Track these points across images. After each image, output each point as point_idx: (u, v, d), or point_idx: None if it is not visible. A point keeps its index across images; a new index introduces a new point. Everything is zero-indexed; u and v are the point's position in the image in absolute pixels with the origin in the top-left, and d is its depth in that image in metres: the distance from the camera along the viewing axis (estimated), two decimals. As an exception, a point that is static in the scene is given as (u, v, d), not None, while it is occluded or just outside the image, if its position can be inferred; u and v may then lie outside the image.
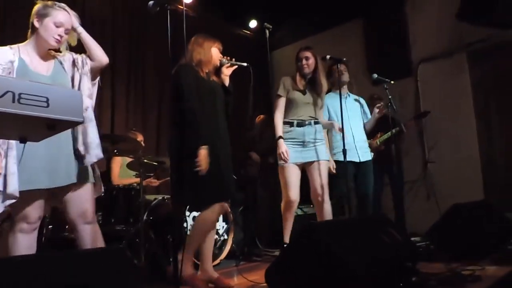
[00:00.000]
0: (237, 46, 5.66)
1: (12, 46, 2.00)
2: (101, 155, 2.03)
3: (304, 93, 3.28)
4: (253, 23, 5.97)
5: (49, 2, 2.05)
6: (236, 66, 2.74)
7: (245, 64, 2.72)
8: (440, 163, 4.74)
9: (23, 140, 1.54)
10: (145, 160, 3.33)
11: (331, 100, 3.61)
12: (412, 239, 3.36)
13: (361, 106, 3.81)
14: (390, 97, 3.73)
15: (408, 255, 2.19)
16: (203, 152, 2.36)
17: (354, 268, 1.69)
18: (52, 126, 1.38)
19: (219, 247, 3.58)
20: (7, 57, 1.92)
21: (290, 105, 3.26)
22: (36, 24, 2.00)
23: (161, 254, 3.13)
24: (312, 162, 3.23)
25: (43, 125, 1.35)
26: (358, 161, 3.59)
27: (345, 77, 3.65)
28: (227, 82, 2.72)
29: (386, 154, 4.20)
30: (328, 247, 1.75)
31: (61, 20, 2.01)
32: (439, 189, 4.65)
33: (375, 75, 3.67)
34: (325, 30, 5.80)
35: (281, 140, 3.13)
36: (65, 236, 3.23)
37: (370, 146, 4.06)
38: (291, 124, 3.24)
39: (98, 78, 2.18)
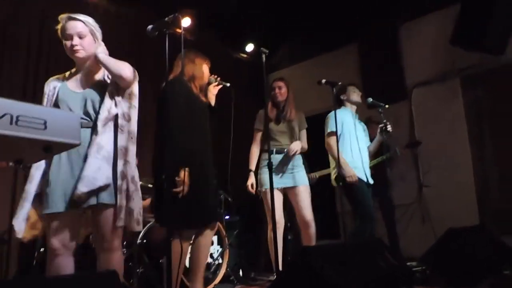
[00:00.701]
0: (234, 69, 5.75)
1: (60, 76, 2.11)
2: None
3: (277, 122, 3.42)
4: (249, 47, 6.05)
5: (59, 18, 2.03)
6: (221, 86, 2.76)
7: (228, 84, 2.75)
8: (435, 187, 4.74)
9: (18, 162, 1.54)
10: (141, 183, 3.31)
11: (344, 116, 3.60)
12: (408, 263, 3.33)
13: (364, 129, 3.85)
14: (384, 121, 3.77)
15: (403, 279, 2.17)
16: (184, 174, 2.26)
17: (349, 293, 1.68)
18: (49, 148, 1.39)
19: (213, 271, 3.53)
20: (52, 85, 2.04)
21: (268, 135, 3.25)
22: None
23: (154, 278, 3.09)
24: (292, 188, 3.34)
25: (39, 147, 1.36)
26: (367, 181, 3.57)
27: (358, 97, 3.70)
28: (213, 101, 2.72)
29: (379, 178, 4.21)
30: (322, 272, 1.74)
31: (67, 33, 1.98)
32: (434, 213, 4.64)
33: (370, 99, 3.71)
34: (321, 54, 5.90)
35: (251, 173, 3.29)
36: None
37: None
38: (271, 152, 3.27)
39: (133, 100, 2.10)
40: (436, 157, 4.79)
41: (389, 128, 3.68)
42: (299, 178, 3.36)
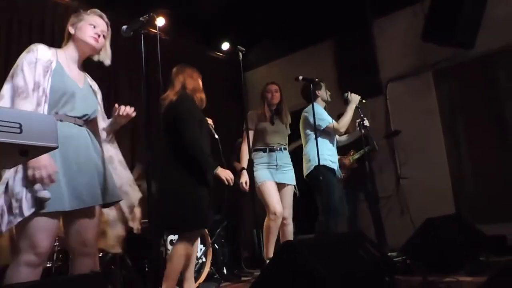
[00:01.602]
0: (210, 68, 5.73)
1: (50, 47, 1.92)
2: None
3: (272, 123, 3.55)
4: (225, 45, 6.04)
5: (82, 11, 2.02)
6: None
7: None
8: (412, 178, 4.85)
9: (-8, 167, 1.50)
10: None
11: (323, 111, 3.71)
12: (389, 254, 3.40)
13: None
14: (362, 115, 3.83)
15: (386, 269, 2.22)
16: (225, 171, 2.66)
17: (332, 284, 1.71)
18: (25, 152, 1.35)
19: (197, 270, 3.52)
20: (47, 56, 1.85)
21: (259, 134, 3.50)
22: (71, 30, 1.97)
23: (138, 281, 3.06)
24: (281, 185, 3.47)
25: (15, 151, 1.33)
26: (339, 176, 3.74)
27: (327, 96, 3.80)
28: None
29: (360, 172, 4.28)
30: (307, 264, 1.76)
31: (96, 21, 1.98)
32: (412, 204, 4.75)
33: (346, 94, 3.76)
34: (297, 51, 5.94)
35: (244, 171, 3.31)
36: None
37: (343, 164, 4.14)
38: (263, 150, 3.50)
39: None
40: (413, 150, 4.90)
41: (366, 122, 3.75)
42: (288, 176, 3.51)
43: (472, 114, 4.69)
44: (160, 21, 4.94)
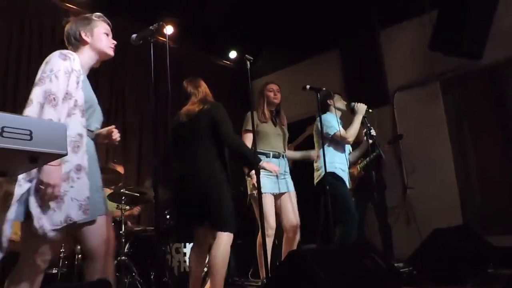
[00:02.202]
0: (217, 76, 5.76)
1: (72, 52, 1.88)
2: None
3: (274, 125, 3.40)
4: (233, 54, 6.08)
5: (87, 15, 2.02)
6: None
7: None
8: (419, 188, 4.82)
9: (1, 174, 1.51)
10: (127, 191, 3.29)
11: (333, 120, 3.62)
12: (395, 264, 3.37)
13: None
14: (368, 125, 3.82)
15: (391, 280, 2.20)
16: (269, 163, 2.97)
17: (339, 295, 1.70)
18: (35, 159, 1.37)
19: (202, 277, 3.51)
20: (79, 66, 1.83)
21: (261, 137, 3.28)
22: (86, 37, 1.94)
23: (143, 288, 3.05)
24: (284, 193, 3.31)
25: (25, 158, 1.34)
26: (348, 186, 3.60)
27: (343, 105, 3.73)
28: None
29: (367, 181, 4.26)
30: (312, 274, 1.75)
31: (107, 28, 2.01)
32: (419, 214, 4.71)
33: (353, 104, 3.76)
34: (304, 60, 5.97)
35: (253, 173, 3.15)
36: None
37: (351, 173, 4.11)
38: (267, 155, 3.26)
39: None
40: (419, 160, 4.87)
41: (373, 132, 3.73)
42: (290, 183, 3.37)
43: (479, 124, 4.67)
44: (169, 30, 4.99)
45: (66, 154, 1.40)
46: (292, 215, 3.28)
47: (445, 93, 4.91)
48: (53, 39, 4.29)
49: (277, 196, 3.30)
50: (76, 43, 1.96)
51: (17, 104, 3.95)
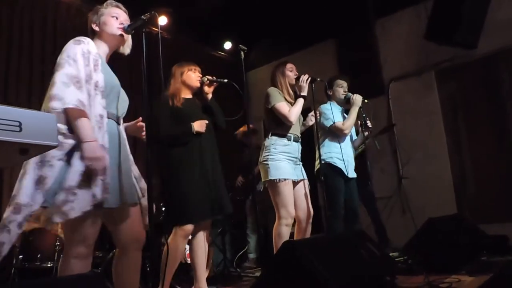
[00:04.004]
0: (212, 67, 5.72)
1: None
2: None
3: None
4: (227, 45, 6.04)
5: (98, 6, 2.01)
6: (216, 83, 2.86)
7: (225, 80, 2.85)
8: (414, 178, 4.84)
9: (-8, 167, 1.49)
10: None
11: (334, 109, 3.58)
12: (391, 254, 3.39)
13: None
14: (364, 115, 3.81)
15: (387, 269, 2.21)
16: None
17: (333, 283, 1.70)
18: (25, 151, 1.35)
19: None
20: (95, 50, 1.84)
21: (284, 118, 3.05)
22: (96, 27, 1.95)
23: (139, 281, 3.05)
24: (301, 181, 3.11)
25: (15, 150, 1.32)
26: (346, 175, 3.51)
27: (341, 94, 3.69)
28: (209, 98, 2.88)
29: (361, 171, 4.26)
30: (309, 264, 1.75)
31: (117, 12, 1.98)
32: (414, 203, 4.74)
33: (349, 94, 3.74)
34: (299, 50, 5.92)
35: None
36: (37, 266, 3.10)
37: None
38: (289, 138, 3.05)
39: None
40: (414, 150, 4.89)
41: (368, 123, 3.73)
42: (303, 170, 3.16)
43: (474, 114, 4.68)
44: (162, 20, 4.95)
45: (56, 146, 1.39)
46: (308, 204, 3.10)
47: (440, 84, 4.91)
48: (44, 30, 4.24)
49: (294, 184, 3.07)
50: (92, 36, 1.98)
51: (7, 97, 3.92)
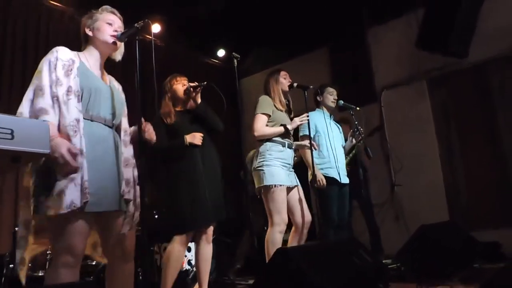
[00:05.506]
0: (205, 75, 5.73)
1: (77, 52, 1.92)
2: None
3: (288, 114, 3.22)
4: (221, 52, 6.06)
5: (93, 11, 2.00)
6: (199, 88, 2.85)
7: (204, 83, 2.84)
8: (406, 185, 4.86)
9: (-16, 174, 1.49)
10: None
11: (317, 118, 3.58)
12: (384, 261, 3.40)
13: (340, 130, 3.86)
14: (356, 122, 3.84)
15: (379, 277, 2.21)
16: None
17: (327, 292, 1.70)
18: (17, 159, 1.35)
19: (191, 277, 3.50)
20: (68, 55, 1.83)
21: (277, 125, 3.08)
22: (89, 32, 1.94)
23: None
24: (295, 187, 3.10)
25: (7, 158, 1.32)
26: (340, 181, 3.49)
27: (331, 102, 3.69)
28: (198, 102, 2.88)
29: (354, 178, 4.27)
30: (301, 271, 1.75)
31: (111, 18, 1.97)
32: (406, 211, 4.76)
33: (341, 102, 3.77)
34: (292, 58, 5.96)
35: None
36: (28, 274, 3.06)
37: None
38: (283, 144, 3.07)
39: None
40: (407, 157, 4.92)
41: (361, 131, 3.75)
42: (296, 176, 3.16)
43: (466, 122, 4.73)
44: (155, 28, 4.96)
45: (48, 153, 1.39)
46: (305, 210, 3.08)
47: (432, 91, 4.96)
48: (37, 37, 4.23)
49: (288, 190, 3.05)
50: (84, 41, 1.98)
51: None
